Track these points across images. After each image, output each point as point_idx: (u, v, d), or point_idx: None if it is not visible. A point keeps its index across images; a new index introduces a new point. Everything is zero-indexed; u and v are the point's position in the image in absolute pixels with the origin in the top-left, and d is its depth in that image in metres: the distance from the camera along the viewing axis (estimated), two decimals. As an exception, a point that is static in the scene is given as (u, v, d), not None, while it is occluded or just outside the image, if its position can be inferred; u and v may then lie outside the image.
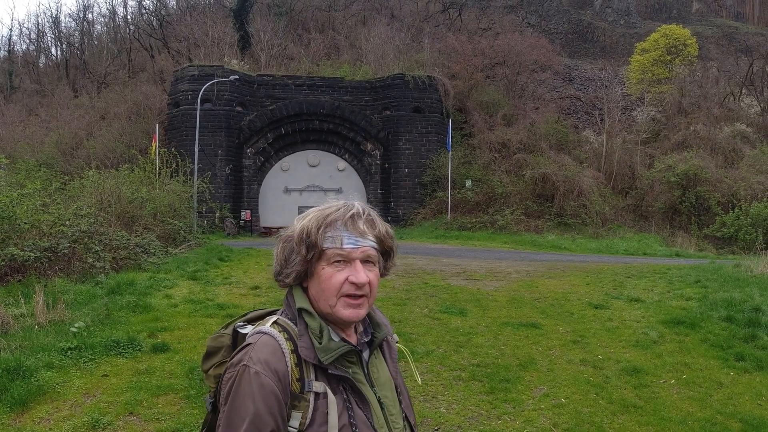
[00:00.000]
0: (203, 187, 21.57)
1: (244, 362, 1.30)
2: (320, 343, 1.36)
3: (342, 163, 33.00)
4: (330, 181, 32.79)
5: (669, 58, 38.34)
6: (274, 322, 1.40)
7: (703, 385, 5.62)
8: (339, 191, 32.75)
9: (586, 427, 4.73)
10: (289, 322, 1.41)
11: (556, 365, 6.49)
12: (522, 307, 9.72)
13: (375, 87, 31.85)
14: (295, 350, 1.34)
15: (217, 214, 27.30)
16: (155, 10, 46.10)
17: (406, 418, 1.51)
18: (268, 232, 30.23)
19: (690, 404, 5.16)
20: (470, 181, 30.43)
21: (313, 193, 32.69)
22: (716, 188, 26.47)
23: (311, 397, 1.31)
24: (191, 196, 20.79)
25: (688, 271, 12.84)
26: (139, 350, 6.14)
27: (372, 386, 1.43)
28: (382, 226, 1.49)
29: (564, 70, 42.08)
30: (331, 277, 1.39)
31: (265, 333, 1.36)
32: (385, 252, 1.50)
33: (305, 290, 1.45)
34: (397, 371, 1.58)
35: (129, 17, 48.58)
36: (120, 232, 11.75)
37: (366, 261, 1.42)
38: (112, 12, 48.64)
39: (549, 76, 39.55)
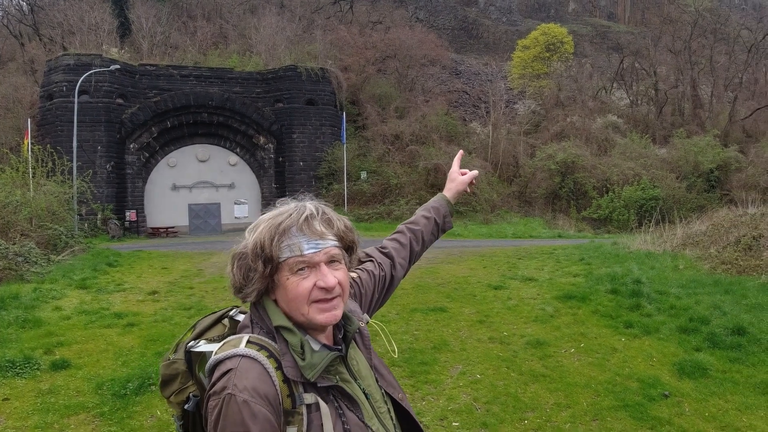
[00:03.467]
0: (84, 186, 19.92)
1: (229, 390, 1.21)
2: (303, 360, 1.30)
3: (234, 158, 31.96)
4: (221, 176, 31.65)
5: (548, 54, 41.32)
6: (249, 341, 1.30)
7: (599, 351, 6.23)
8: (231, 186, 31.73)
9: (503, 398, 5.08)
10: (265, 338, 1.32)
11: (467, 345, 6.84)
12: (428, 293, 10.09)
13: (266, 78, 31.14)
14: (279, 367, 1.28)
15: (99, 216, 25.32)
16: (26, -7, 41.54)
17: (387, 396, 1.50)
18: (156, 232, 28.59)
19: (591, 369, 5.70)
20: (365, 173, 30.83)
21: (204, 190, 31.39)
22: (592, 174, 29.03)
23: (304, 410, 1.27)
24: (71, 197, 19.13)
25: (572, 251, 14.01)
26: (38, 369, 5.64)
27: (356, 379, 1.42)
28: (340, 222, 1.43)
29: (451, 65, 43.82)
30: (298, 285, 1.33)
31: (244, 356, 1.26)
32: (348, 247, 1.45)
33: (275, 302, 1.38)
34: (372, 353, 1.55)
35: (-4, 1, 43.33)
36: (-5, 239, 10.59)
37: (331, 261, 1.37)
38: None
39: (438, 71, 41.02)
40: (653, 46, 40.68)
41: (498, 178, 31.82)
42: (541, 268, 12.07)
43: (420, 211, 2.05)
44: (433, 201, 2.08)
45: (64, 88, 26.18)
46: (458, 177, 2.11)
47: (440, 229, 2.04)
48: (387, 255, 1.88)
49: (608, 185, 27.95)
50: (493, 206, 29.40)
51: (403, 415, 1.53)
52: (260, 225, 1.37)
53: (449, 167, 2.19)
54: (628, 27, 52.89)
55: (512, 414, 4.76)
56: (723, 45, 40.90)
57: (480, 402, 5.05)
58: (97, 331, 7.34)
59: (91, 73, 25.53)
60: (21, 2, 41.54)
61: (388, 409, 1.49)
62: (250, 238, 1.36)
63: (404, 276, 1.92)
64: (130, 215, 27.77)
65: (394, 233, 1.98)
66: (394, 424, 1.48)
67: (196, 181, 31.10)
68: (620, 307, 7.64)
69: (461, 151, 2.31)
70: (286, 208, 1.39)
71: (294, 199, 1.44)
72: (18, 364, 5.61)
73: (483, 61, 46.57)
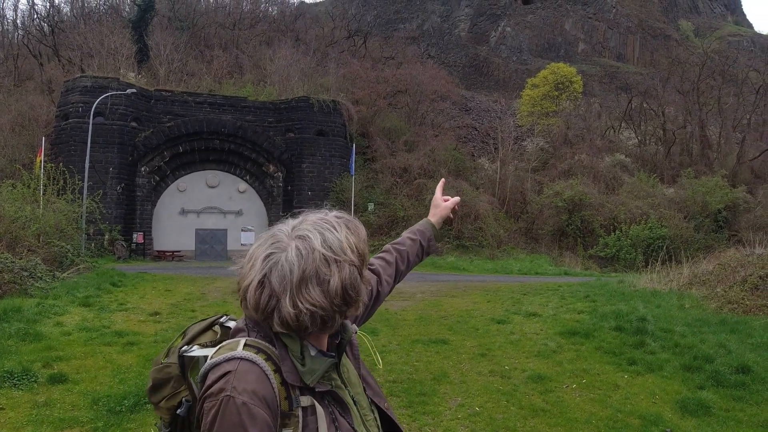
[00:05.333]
0: (93, 206, 20.10)
1: (227, 392, 1.19)
2: (303, 366, 1.30)
3: (243, 185, 32.23)
4: (230, 202, 31.86)
5: (556, 93, 41.86)
6: (246, 345, 1.29)
7: (601, 387, 6.14)
8: (239, 213, 31.90)
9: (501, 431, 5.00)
10: (262, 342, 1.31)
11: (467, 377, 6.77)
12: (430, 325, 10.03)
13: (279, 108, 31.64)
14: (277, 370, 1.28)
15: (107, 237, 25.45)
16: (48, 15, 42.80)
17: (373, 404, 1.51)
18: (162, 255, 28.64)
19: (592, 405, 5.61)
20: (372, 204, 30.96)
21: (212, 215, 31.55)
22: (599, 212, 28.97)
23: (300, 413, 1.27)
24: (80, 216, 19.29)
25: (578, 288, 13.91)
26: (35, 381, 5.64)
27: (346, 387, 1.42)
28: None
29: (461, 101, 44.44)
30: None
31: (242, 359, 1.24)
32: None
33: None
34: (360, 362, 1.56)
35: (19, 21, 44.75)
36: (3, 253, 10.65)
37: None
38: (1, 14, 44.54)
39: (447, 106, 41.56)
40: (662, 87, 41.10)
41: (505, 214, 31.83)
42: (546, 304, 11.98)
43: (406, 233, 2.10)
44: (419, 225, 2.14)
45: (80, 109, 26.68)
46: (441, 203, 2.18)
47: (425, 251, 2.10)
48: (374, 271, 1.90)
49: (615, 224, 27.85)
50: (499, 242, 29.34)
51: (387, 426, 1.54)
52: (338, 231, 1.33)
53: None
54: (637, 68, 53.57)
55: (510, 447, 4.68)
56: (731, 86, 41.25)
57: (478, 434, 4.97)
58: (97, 348, 7.33)
59: (108, 96, 26.05)
60: (42, 23, 42.76)
61: (375, 417, 1.50)
62: (346, 246, 1.30)
63: (389, 293, 1.94)
64: (137, 237, 27.89)
65: (381, 252, 2.02)
66: None
67: (204, 206, 31.32)
68: (624, 344, 7.56)
69: (443, 180, 2.38)
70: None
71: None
72: (16, 375, 5.61)
73: (492, 98, 47.19)
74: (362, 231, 1.40)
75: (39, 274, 11.14)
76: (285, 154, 31.21)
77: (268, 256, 1.28)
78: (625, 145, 39.52)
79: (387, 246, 2.04)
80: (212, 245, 31.43)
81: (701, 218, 28.56)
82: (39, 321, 8.40)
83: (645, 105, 40.96)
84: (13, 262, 10.53)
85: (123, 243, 26.06)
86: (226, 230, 31.70)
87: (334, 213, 1.39)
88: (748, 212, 29.14)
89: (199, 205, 31.21)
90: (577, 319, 9.71)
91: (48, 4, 43.80)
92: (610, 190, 32.00)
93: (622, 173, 34.03)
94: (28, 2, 44.26)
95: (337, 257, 1.28)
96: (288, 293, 1.25)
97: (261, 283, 1.27)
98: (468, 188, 31.00)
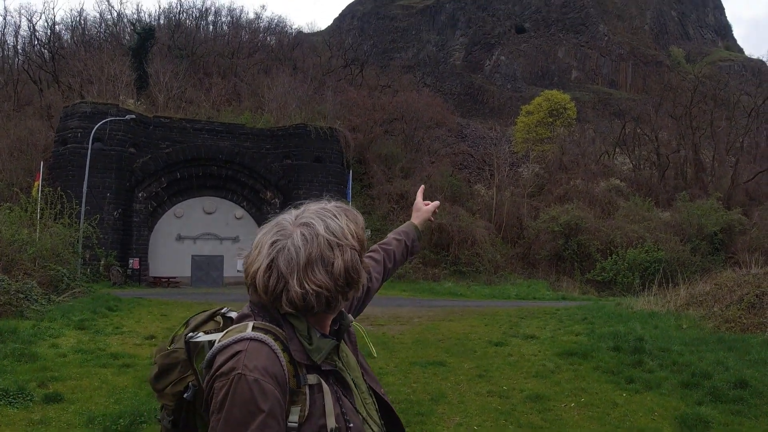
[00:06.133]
0: (90, 231, 20.08)
1: (239, 370, 1.23)
2: (311, 345, 1.35)
3: (240, 211, 32.24)
4: (227, 229, 31.78)
5: (551, 119, 42.38)
6: (254, 327, 1.33)
7: (600, 406, 6.12)
8: (236, 240, 31.81)
9: (500, 449, 4.97)
10: (270, 324, 1.35)
11: (465, 397, 6.74)
12: (427, 348, 9.99)
13: (276, 135, 31.89)
14: (286, 349, 1.32)
15: (102, 262, 25.32)
16: (48, 41, 43.36)
17: (371, 389, 1.56)
18: (157, 282, 28.44)
19: (591, 423, 5.59)
20: (369, 231, 31.00)
21: (209, 241, 31.46)
22: (595, 236, 29.03)
23: (307, 390, 1.32)
24: (76, 240, 19.24)
25: (575, 311, 13.90)
26: (31, 400, 5.62)
27: (346, 370, 1.47)
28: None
29: (457, 128, 44.91)
30: None
31: (253, 339, 1.29)
32: None
33: None
34: (357, 350, 1.62)
35: (19, 47, 45.28)
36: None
37: None
38: (2, 40, 45.03)
39: (443, 133, 41.99)
40: (654, 112, 41.64)
41: (502, 239, 31.89)
42: (544, 326, 11.96)
43: (392, 235, 2.21)
44: (404, 227, 2.26)
45: (79, 135, 26.82)
46: (423, 207, 2.31)
47: (409, 251, 2.20)
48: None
49: (612, 248, 27.89)
50: (496, 267, 29.32)
51: (384, 411, 1.58)
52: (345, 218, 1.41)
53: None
54: (629, 94, 54.33)
55: (509, 463, 4.65)
56: (723, 110, 41.82)
57: (476, 451, 4.93)
58: (92, 369, 7.30)
59: (107, 122, 26.23)
60: (43, 50, 43.26)
61: (373, 401, 1.55)
62: (347, 231, 1.38)
63: (378, 289, 2.03)
64: (133, 263, 27.74)
65: (369, 252, 2.08)
66: (378, 416, 1.53)
67: (201, 233, 31.25)
68: (622, 364, 7.56)
69: (423, 186, 2.51)
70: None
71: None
72: (11, 393, 5.59)
73: (488, 125, 47.72)
74: (360, 219, 1.48)
75: (35, 297, 11.11)
76: (282, 181, 31.34)
77: (274, 242, 1.35)
78: (619, 169, 39.89)
79: (374, 246, 2.12)
80: (208, 271, 31.27)
81: (697, 241, 28.65)
82: (34, 342, 8.37)
83: (638, 130, 41.47)
84: (9, 284, 10.52)
85: (119, 268, 25.92)
86: (222, 257, 31.58)
87: (334, 203, 1.47)
88: (743, 234, 29.25)
89: (195, 231, 31.14)
90: (574, 341, 9.70)
91: (49, 30, 44.27)
92: (606, 214, 32.15)
93: (617, 198, 34.26)
94: (29, 28, 44.59)
95: (339, 241, 1.35)
96: (295, 275, 1.31)
97: (269, 267, 1.33)
98: (465, 214, 31.12)
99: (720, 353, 7.38)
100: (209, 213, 31.49)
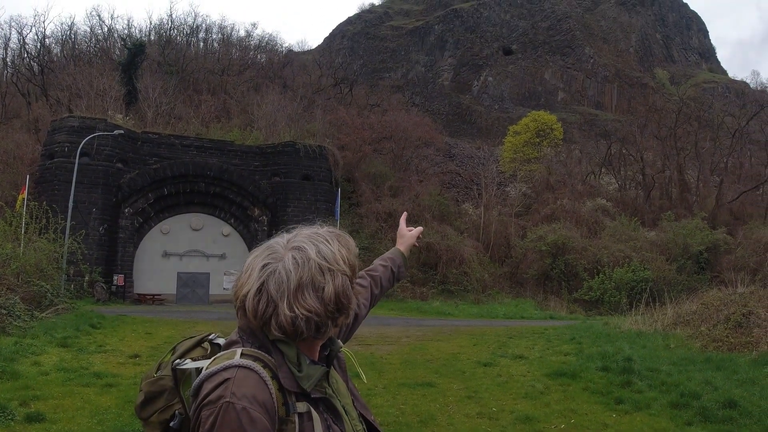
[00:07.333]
0: (75, 246, 19.80)
1: (227, 399, 1.21)
2: (300, 372, 1.33)
3: (227, 228, 31.99)
4: (214, 246, 31.49)
5: (538, 140, 42.88)
6: (243, 354, 1.31)
7: (590, 427, 6.10)
8: (222, 257, 31.52)
9: (491, 471, 4.92)
10: (258, 351, 1.33)
11: (454, 419, 6.68)
12: (416, 368, 9.92)
13: (265, 153, 31.87)
14: (275, 377, 1.30)
15: (87, 278, 24.95)
16: (38, 55, 43.17)
17: (361, 416, 1.54)
18: (142, 299, 28.04)
19: (581, 444, 5.57)
20: (357, 249, 30.91)
21: (195, 258, 31.11)
22: (582, 256, 29.19)
23: (296, 419, 1.30)
24: (61, 256, 18.95)
25: (563, 331, 13.91)
26: (12, 419, 5.50)
27: (336, 396, 1.45)
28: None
29: (445, 147, 45.25)
30: None
31: (241, 366, 1.27)
32: None
33: None
34: (347, 376, 1.61)
35: (8, 60, 44.98)
36: (-20, 291, 10.44)
37: None
38: None
39: (432, 152, 42.27)
40: (640, 133, 42.23)
41: (489, 258, 31.96)
42: (532, 346, 11.95)
43: (378, 261, 2.22)
44: (389, 253, 2.27)
45: (66, 149, 26.60)
46: (407, 233, 2.35)
47: (395, 277, 2.21)
48: None
49: (599, 267, 28.04)
50: (484, 286, 29.33)
51: None
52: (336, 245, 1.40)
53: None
54: (615, 115, 55.16)
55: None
56: (707, 131, 42.53)
57: (467, 472, 4.88)
58: (75, 389, 7.16)
59: (94, 136, 26.05)
60: (32, 63, 43.06)
61: (363, 428, 1.53)
62: (339, 257, 1.37)
63: (366, 316, 2.02)
64: (118, 279, 27.34)
65: (356, 278, 2.10)
66: None
67: (187, 249, 30.91)
68: (611, 384, 7.56)
69: (405, 213, 2.56)
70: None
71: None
72: (-8, 412, 5.43)
73: (475, 145, 48.16)
74: (352, 245, 1.48)
75: (17, 313, 10.90)
76: (270, 198, 31.23)
77: (265, 265, 1.34)
78: (605, 189, 40.32)
79: (361, 272, 2.10)
80: (194, 289, 30.89)
81: (683, 260, 28.93)
82: (16, 360, 8.21)
83: (624, 151, 42.04)
84: (-9, 301, 10.31)
85: (103, 285, 25.54)
86: (208, 274, 31.25)
87: (326, 228, 1.46)
88: (729, 253, 29.58)
89: (181, 248, 30.82)
90: (563, 361, 9.69)
91: (39, 44, 44.11)
92: (593, 233, 32.39)
93: (603, 217, 34.55)
94: (19, 41, 44.36)
95: (330, 266, 1.35)
96: (285, 299, 1.29)
97: (259, 290, 1.31)
98: (452, 233, 31.18)
99: (708, 373, 7.41)
100: (196, 230, 31.21)
